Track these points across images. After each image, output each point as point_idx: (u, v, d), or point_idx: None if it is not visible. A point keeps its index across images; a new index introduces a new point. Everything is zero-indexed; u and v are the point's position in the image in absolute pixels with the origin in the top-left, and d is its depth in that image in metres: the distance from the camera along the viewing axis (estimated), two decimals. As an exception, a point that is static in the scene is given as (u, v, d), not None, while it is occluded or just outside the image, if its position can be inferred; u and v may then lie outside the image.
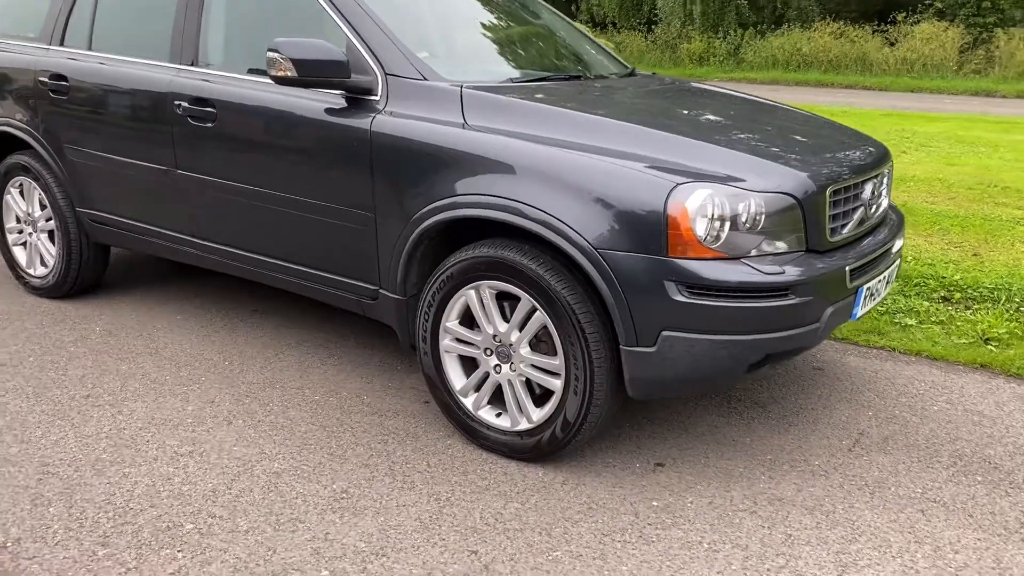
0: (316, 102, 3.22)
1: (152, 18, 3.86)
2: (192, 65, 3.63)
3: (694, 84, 3.98)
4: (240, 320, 4.26)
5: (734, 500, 2.76)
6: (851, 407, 3.41)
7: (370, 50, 3.14)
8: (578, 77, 3.65)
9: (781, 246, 2.67)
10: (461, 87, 3.03)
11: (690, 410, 3.36)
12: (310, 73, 3.04)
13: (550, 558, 2.46)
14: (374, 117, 3.06)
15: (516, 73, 3.59)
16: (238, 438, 3.11)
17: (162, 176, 3.75)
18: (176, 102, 3.58)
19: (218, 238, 3.69)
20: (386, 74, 3.11)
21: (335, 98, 3.20)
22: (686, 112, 3.30)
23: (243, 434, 3.14)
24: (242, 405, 3.37)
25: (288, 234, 3.41)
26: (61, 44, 4.17)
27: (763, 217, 2.60)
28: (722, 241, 2.57)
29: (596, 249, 2.60)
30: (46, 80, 4.10)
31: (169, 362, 3.75)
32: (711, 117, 3.25)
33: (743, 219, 2.58)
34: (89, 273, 4.45)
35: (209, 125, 3.50)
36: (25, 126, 4.26)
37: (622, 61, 4.20)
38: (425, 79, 3.08)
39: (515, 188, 2.74)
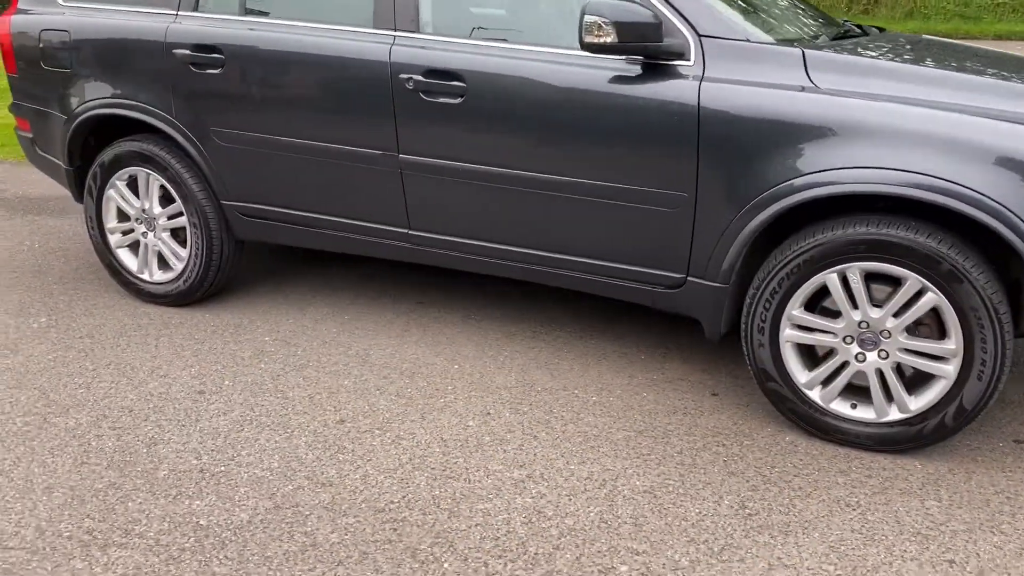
0: (599, 70, 2.86)
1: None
2: (413, 32, 3.14)
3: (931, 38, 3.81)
4: (416, 315, 3.83)
5: None
6: (1122, 361, 3.39)
7: (676, 10, 2.79)
8: (853, 35, 3.40)
9: None
10: (801, 48, 2.74)
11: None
12: (629, 38, 2.69)
13: (1033, 559, 2.29)
14: (699, 85, 2.73)
15: (784, 33, 3.29)
16: (561, 454, 2.77)
17: (372, 162, 3.27)
18: (403, 75, 3.10)
19: (451, 230, 3.26)
20: (699, 36, 2.77)
21: (623, 64, 2.84)
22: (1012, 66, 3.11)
23: (562, 449, 2.80)
24: (525, 415, 3.01)
25: (563, 222, 3.04)
26: (195, 10, 3.54)
27: None
28: None
29: (1034, 224, 2.40)
30: (186, 52, 3.49)
31: (392, 371, 3.32)
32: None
33: None
34: (226, 274, 3.89)
35: (455, 102, 3.05)
36: (151, 108, 3.62)
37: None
38: (749, 40, 2.77)
39: (920, 160, 2.49)
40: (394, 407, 3.06)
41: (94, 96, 3.74)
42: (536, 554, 2.31)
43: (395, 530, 2.41)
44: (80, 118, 3.78)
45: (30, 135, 4.11)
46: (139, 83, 3.63)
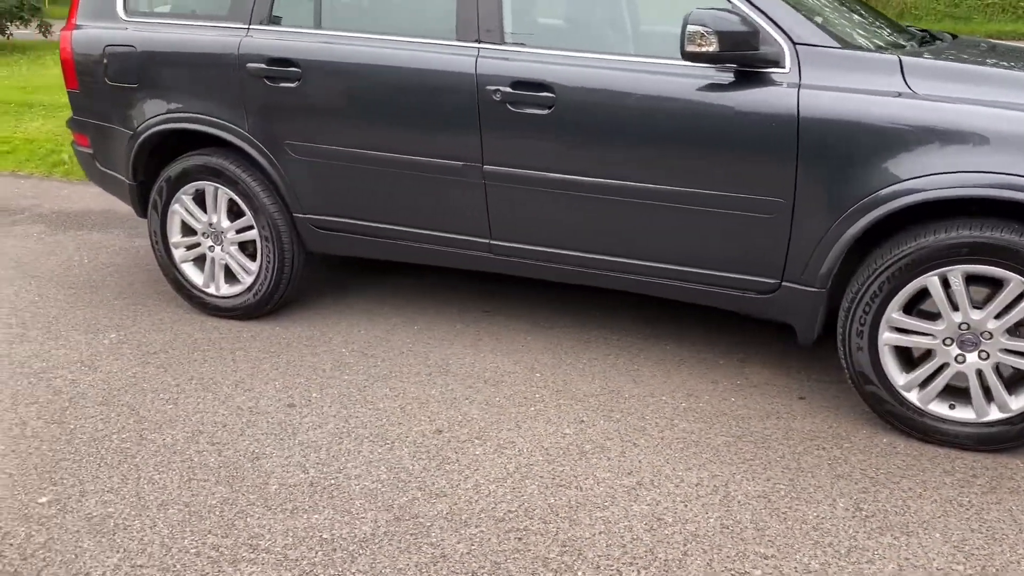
0: (691, 78, 2.90)
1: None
2: (498, 43, 3.16)
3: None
4: (485, 323, 3.84)
5: None
6: None
7: (770, 19, 2.83)
8: (928, 40, 3.44)
9: None
10: (898, 54, 2.78)
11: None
12: (729, 47, 2.72)
13: None
14: (798, 92, 2.76)
15: (864, 39, 3.33)
16: (666, 461, 2.80)
17: (454, 173, 3.29)
18: (490, 87, 3.12)
19: (535, 239, 3.28)
20: (794, 43, 2.81)
21: (715, 72, 2.87)
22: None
23: (665, 455, 2.82)
24: (619, 422, 3.03)
25: (654, 230, 3.07)
26: (267, 23, 3.55)
27: None
28: None
29: None
30: (261, 66, 3.49)
31: (475, 380, 3.34)
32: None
33: None
34: (295, 287, 3.89)
35: (543, 113, 3.07)
36: (222, 121, 3.62)
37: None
38: (844, 47, 2.81)
39: (1020, 162, 2.53)
40: (487, 416, 3.07)
41: (160, 111, 3.74)
42: (667, 560, 2.33)
43: (520, 539, 2.42)
44: (146, 133, 3.78)
45: (90, 151, 4.10)
46: (209, 97, 3.63)
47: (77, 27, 3.95)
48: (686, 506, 2.56)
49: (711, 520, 2.49)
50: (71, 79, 3.98)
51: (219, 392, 3.27)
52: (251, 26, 3.55)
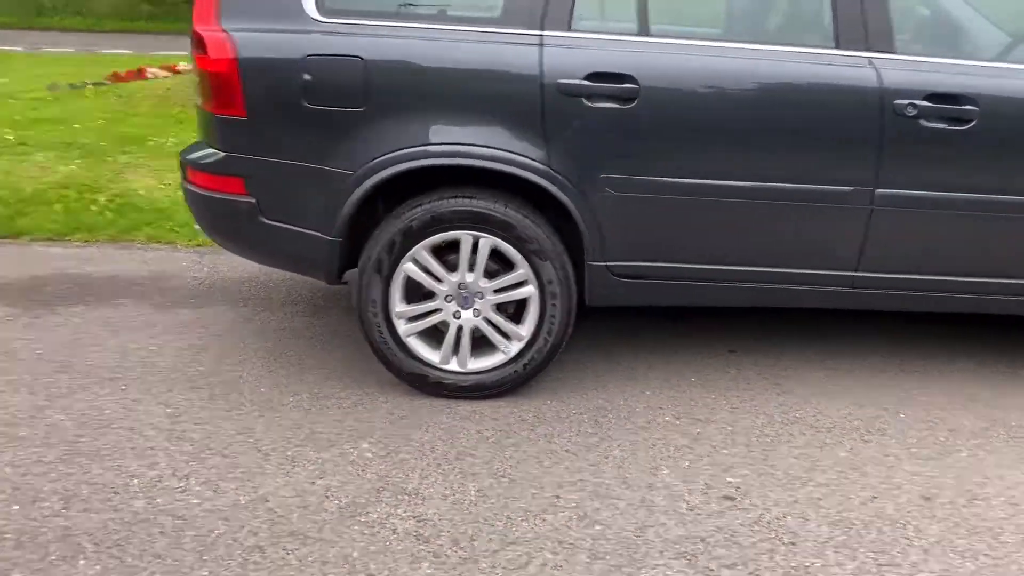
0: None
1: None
2: (889, 52, 2.84)
3: None
4: (752, 366, 3.45)
5: None
6: None
7: None
8: None
9: None
10: None
11: None
12: None
13: None
14: None
15: None
16: None
17: (834, 200, 2.91)
18: (901, 101, 2.79)
19: (921, 268, 3.01)
20: None
21: None
22: None
23: None
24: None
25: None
26: (567, 29, 2.88)
27: None
28: None
29: None
30: (579, 83, 2.82)
31: (859, 431, 3.00)
32: None
33: None
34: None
35: (962, 128, 2.81)
36: (510, 154, 2.87)
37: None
38: None
39: None
40: (931, 471, 2.76)
41: (405, 144, 2.88)
42: None
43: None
44: (381, 173, 2.89)
45: (251, 200, 3.03)
46: (490, 123, 2.86)
47: (235, 30, 2.89)
48: None
49: None
50: (234, 102, 2.91)
51: (613, 494, 2.60)
52: (545, 32, 2.84)
